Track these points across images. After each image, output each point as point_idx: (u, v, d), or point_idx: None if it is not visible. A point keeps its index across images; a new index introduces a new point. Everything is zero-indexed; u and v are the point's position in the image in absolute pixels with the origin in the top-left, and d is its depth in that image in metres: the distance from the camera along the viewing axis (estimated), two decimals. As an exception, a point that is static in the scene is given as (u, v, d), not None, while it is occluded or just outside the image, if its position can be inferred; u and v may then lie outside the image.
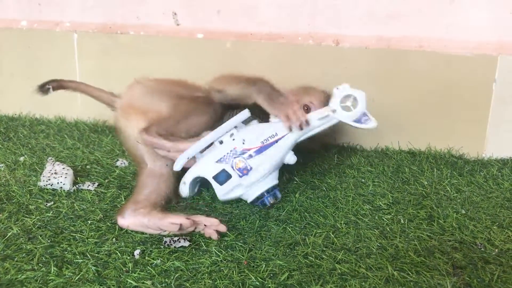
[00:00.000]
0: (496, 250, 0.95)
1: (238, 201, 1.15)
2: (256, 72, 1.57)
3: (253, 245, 0.96)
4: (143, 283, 0.83)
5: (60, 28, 1.71)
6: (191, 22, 1.61)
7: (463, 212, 1.10)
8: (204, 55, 1.59)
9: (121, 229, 1.01)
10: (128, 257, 0.90)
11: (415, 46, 1.45)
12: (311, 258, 0.91)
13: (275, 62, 1.54)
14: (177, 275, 0.85)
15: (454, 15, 1.41)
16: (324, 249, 0.94)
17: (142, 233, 0.99)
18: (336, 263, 0.90)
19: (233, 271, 0.86)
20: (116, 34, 1.66)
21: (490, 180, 1.27)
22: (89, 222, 1.02)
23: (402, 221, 1.05)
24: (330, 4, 1.48)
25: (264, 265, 0.88)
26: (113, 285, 0.82)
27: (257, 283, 0.83)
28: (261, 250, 0.94)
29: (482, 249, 0.95)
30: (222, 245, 0.95)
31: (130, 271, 0.86)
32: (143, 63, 1.65)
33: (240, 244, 0.96)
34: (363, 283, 0.84)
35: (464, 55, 1.40)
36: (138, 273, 0.86)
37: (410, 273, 0.87)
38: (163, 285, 0.83)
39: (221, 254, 0.92)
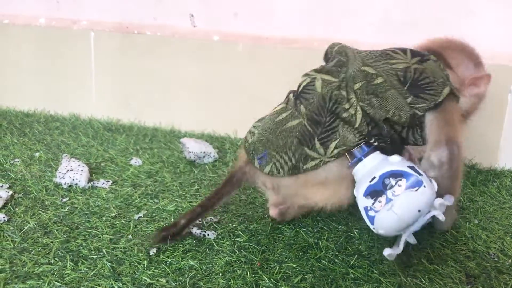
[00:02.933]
0: (510, 260, 0.95)
1: (251, 202, 1.15)
2: (271, 76, 1.59)
3: (266, 247, 0.96)
4: (157, 280, 0.84)
5: (78, 26, 1.73)
6: (207, 24, 1.62)
7: (476, 222, 1.10)
8: (220, 57, 1.60)
9: (135, 226, 1.02)
10: (143, 254, 0.91)
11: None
12: (324, 262, 0.92)
13: (291, 66, 1.54)
14: (191, 274, 0.86)
15: (470, 25, 1.41)
16: (337, 253, 0.95)
17: (156, 230, 1.00)
18: (349, 267, 0.90)
19: (246, 272, 0.87)
20: (133, 34, 1.68)
21: (503, 190, 1.27)
22: (104, 218, 1.03)
23: (415, 229, 1.05)
24: (346, 10, 1.49)
25: (277, 267, 0.89)
26: (128, 282, 0.83)
27: (270, 284, 0.84)
28: (274, 252, 0.94)
29: (495, 259, 0.95)
30: (235, 246, 0.96)
31: (146, 268, 0.87)
32: (158, 63, 1.66)
33: (253, 245, 0.96)
34: (376, 289, 0.84)
35: (480, 65, 1.39)
36: (153, 271, 0.87)
37: (423, 280, 0.87)
38: (178, 283, 0.84)
39: (235, 254, 0.92)
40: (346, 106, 0.95)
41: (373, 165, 0.92)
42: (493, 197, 1.24)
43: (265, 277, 0.85)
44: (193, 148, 1.37)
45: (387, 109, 0.95)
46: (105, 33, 1.70)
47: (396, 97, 0.96)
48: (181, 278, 0.85)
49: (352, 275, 0.87)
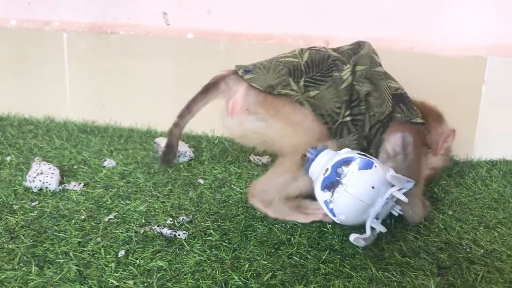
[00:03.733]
0: (482, 250, 0.94)
1: (225, 200, 1.14)
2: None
3: (238, 245, 0.95)
4: (125, 282, 0.82)
5: (50, 27, 1.70)
6: (181, 22, 1.61)
7: (450, 213, 1.10)
8: (194, 55, 1.58)
9: (105, 228, 1.00)
10: (111, 257, 0.89)
11: (405, 48, 1.45)
12: (295, 258, 0.90)
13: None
14: (160, 275, 0.84)
15: (444, 18, 1.41)
16: (309, 249, 0.94)
17: (126, 231, 0.98)
18: (321, 263, 0.89)
19: (216, 271, 0.85)
20: (106, 34, 1.65)
21: (479, 181, 1.27)
22: (73, 221, 1.02)
23: (388, 222, 1.04)
24: (320, 5, 1.48)
25: (248, 265, 0.88)
26: (94, 285, 0.81)
27: (240, 283, 0.83)
28: (246, 250, 0.93)
29: (468, 250, 0.95)
30: (206, 245, 0.94)
31: (113, 271, 0.85)
32: (133, 63, 1.64)
33: (225, 244, 0.95)
34: (347, 283, 0.83)
35: (454, 56, 1.40)
36: (121, 273, 0.85)
37: (394, 273, 0.86)
38: (145, 285, 0.82)
39: (205, 254, 0.91)
40: (342, 73, 1.01)
41: (326, 160, 0.92)
42: (469, 188, 1.24)
43: (234, 276, 0.84)
44: (168, 147, 1.35)
45: (373, 93, 1.01)
46: (78, 33, 1.68)
47: (386, 88, 1.04)
48: (149, 280, 0.83)
49: (323, 271, 0.87)
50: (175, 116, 1.62)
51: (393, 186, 0.89)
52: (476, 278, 0.85)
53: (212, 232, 0.99)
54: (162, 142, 1.37)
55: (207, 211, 1.09)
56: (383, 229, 0.90)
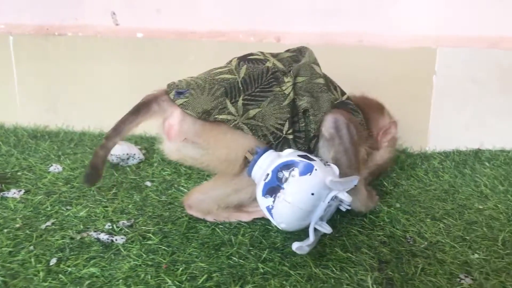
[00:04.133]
0: (426, 243, 0.93)
1: (171, 203, 1.11)
2: (199, 70, 1.54)
3: (177, 248, 0.92)
4: (52, 292, 0.79)
5: (-5, 31, 1.65)
6: (130, 21, 1.57)
7: (398, 206, 1.08)
8: (145, 54, 1.55)
9: (40, 236, 0.96)
10: (42, 265, 0.86)
11: (355, 41, 1.44)
12: (235, 258, 0.88)
13: (217, 60, 1.50)
14: (90, 282, 0.81)
15: (393, 10, 1.40)
16: (251, 248, 0.92)
17: (62, 238, 0.95)
18: (260, 262, 0.87)
19: (150, 276, 0.82)
20: (54, 36, 1.61)
21: (431, 172, 1.27)
22: (6, 231, 0.97)
23: (334, 217, 1.02)
24: (270, 1, 1.46)
25: (184, 268, 0.85)
26: (18, 296, 0.77)
27: (173, 286, 0.80)
28: (185, 253, 0.90)
29: (411, 243, 0.94)
30: (143, 249, 0.91)
31: (42, 280, 0.81)
32: (83, 65, 1.60)
33: (163, 247, 0.92)
34: (284, 282, 0.81)
35: (404, 48, 1.39)
36: (50, 282, 0.81)
37: (334, 269, 0.84)
38: (74, 293, 0.79)
39: (141, 258, 0.88)
40: (283, 87, 0.96)
41: (267, 164, 0.89)
42: (420, 180, 1.23)
43: (168, 280, 0.81)
44: (115, 150, 1.31)
45: (313, 106, 0.97)
46: (25, 36, 1.63)
47: (327, 101, 0.99)
48: (78, 288, 0.80)
49: (261, 270, 0.84)
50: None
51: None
52: (415, 271, 0.83)
53: (152, 236, 0.96)
54: (110, 145, 1.33)
55: (150, 214, 1.06)
56: (328, 230, 0.87)
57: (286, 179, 0.84)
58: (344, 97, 1.04)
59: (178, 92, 0.95)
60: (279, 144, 0.95)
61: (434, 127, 1.42)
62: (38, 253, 0.90)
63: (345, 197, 0.84)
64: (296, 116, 0.96)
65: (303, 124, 0.97)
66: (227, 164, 0.95)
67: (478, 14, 1.35)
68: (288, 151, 0.91)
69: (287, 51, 1.05)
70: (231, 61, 1.01)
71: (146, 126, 1.49)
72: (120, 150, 1.32)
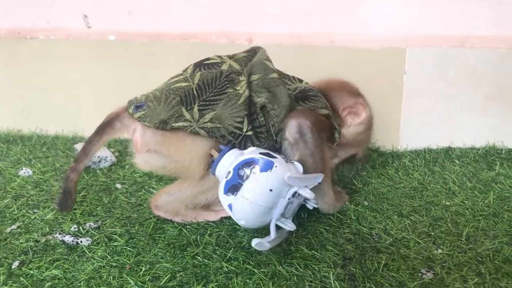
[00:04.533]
0: (391, 239, 0.94)
1: (140, 204, 1.11)
2: (172, 72, 1.55)
3: (143, 248, 0.92)
4: (12, 295, 0.78)
5: (-34, 34, 1.63)
6: (102, 24, 1.56)
7: (366, 203, 1.09)
8: (118, 57, 1.54)
9: (5, 239, 0.95)
10: (4, 269, 0.85)
11: (326, 42, 1.45)
12: (199, 258, 0.88)
13: (190, 61, 1.50)
14: (51, 284, 0.80)
15: (363, 10, 1.41)
16: (216, 248, 0.91)
17: (27, 241, 0.94)
18: (225, 261, 0.87)
19: (112, 277, 0.82)
20: (26, 39, 1.60)
21: (401, 170, 1.28)
22: (-30, 234, 0.96)
23: (302, 216, 1.03)
24: (242, 2, 1.47)
25: (148, 268, 0.84)
26: (-23, 300, 0.77)
27: (136, 287, 0.80)
28: (150, 253, 0.90)
29: (376, 239, 0.94)
30: (108, 251, 0.91)
31: (2, 283, 0.81)
32: (55, 68, 1.59)
33: (129, 248, 0.91)
34: (248, 280, 0.81)
35: (374, 48, 1.40)
36: (10, 285, 0.80)
37: (298, 267, 0.85)
38: (34, 296, 0.78)
39: (105, 260, 0.87)
40: (237, 87, 0.97)
41: (230, 162, 0.89)
42: (390, 178, 1.24)
43: (131, 280, 0.81)
44: (86, 153, 1.30)
45: (271, 101, 0.98)
46: (-4, 40, 1.61)
47: (283, 94, 1.00)
48: (39, 290, 0.79)
49: (225, 269, 0.84)
50: (101, 120, 1.58)
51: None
52: (378, 267, 0.84)
53: (118, 237, 0.95)
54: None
55: (118, 216, 1.05)
56: (291, 228, 0.88)
57: (248, 176, 0.84)
58: (303, 84, 1.05)
59: (137, 106, 0.97)
60: (241, 142, 0.96)
61: (405, 126, 1.43)
62: (0, 257, 0.89)
63: (307, 194, 0.85)
64: (255, 113, 0.97)
65: (262, 119, 0.97)
66: (191, 168, 0.97)
67: (446, 13, 1.37)
68: (251, 149, 0.92)
69: (244, 52, 1.06)
70: (187, 68, 1.03)
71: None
72: (91, 152, 1.31)
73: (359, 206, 1.07)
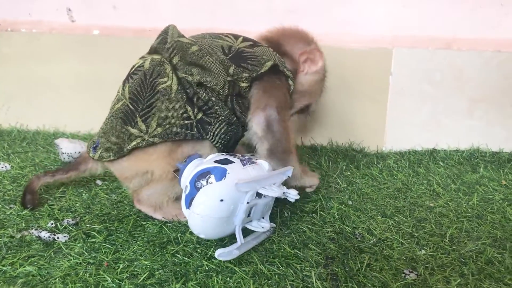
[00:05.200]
0: (374, 239, 0.93)
1: (120, 201, 1.08)
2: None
3: (121, 246, 0.89)
4: (-17, 292, 0.75)
5: None
6: (86, 18, 1.54)
7: (350, 203, 1.08)
8: (102, 52, 1.52)
9: (-22, 235, 0.92)
10: (-24, 265, 0.82)
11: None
12: (179, 256, 0.86)
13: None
14: (24, 280, 0.78)
15: (350, 10, 1.41)
16: (197, 246, 0.89)
17: (1, 237, 0.91)
18: (205, 259, 0.85)
19: (89, 274, 0.80)
20: (7, 32, 1.56)
21: (385, 171, 1.27)
22: None
23: (285, 214, 1.02)
24: (229, 0, 1.45)
25: (126, 266, 0.82)
26: None
27: (113, 285, 0.77)
28: (128, 251, 0.88)
29: (360, 239, 0.93)
30: (86, 248, 0.88)
31: (-27, 280, 0.78)
32: (37, 62, 1.56)
33: (107, 245, 0.89)
34: (228, 279, 0.79)
35: (361, 49, 1.40)
36: (-19, 282, 0.78)
37: (280, 266, 0.83)
38: (6, 292, 0.75)
39: (82, 256, 0.85)
40: (165, 79, 0.94)
41: (188, 174, 0.87)
42: (374, 179, 1.23)
43: (108, 278, 0.79)
44: (67, 148, 1.28)
45: (203, 75, 0.95)
46: (-23, 32, 1.57)
47: (211, 62, 0.96)
48: (11, 287, 0.76)
49: (206, 267, 0.82)
50: (85, 116, 1.55)
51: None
52: (361, 266, 0.83)
53: (96, 234, 0.93)
54: (62, 143, 1.30)
55: (97, 212, 1.03)
56: (264, 228, 0.87)
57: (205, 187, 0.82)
58: (239, 41, 1.03)
59: (93, 148, 0.99)
60: (198, 129, 0.95)
61: (391, 127, 1.43)
62: (-27, 253, 0.86)
63: (271, 193, 0.84)
64: (194, 94, 0.95)
65: (204, 95, 0.95)
66: (167, 171, 0.96)
67: (433, 15, 1.37)
68: (210, 156, 0.90)
69: (156, 39, 1.04)
70: (120, 86, 1.01)
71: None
72: (72, 148, 1.28)
73: (343, 205, 1.06)
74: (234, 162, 0.86)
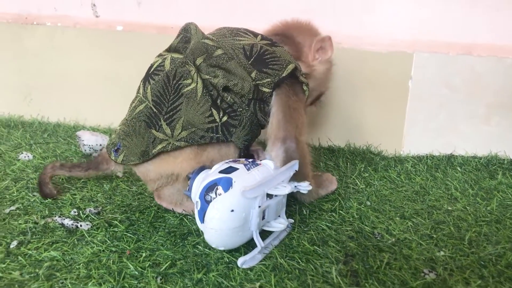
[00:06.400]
0: (393, 239, 0.93)
1: (141, 193, 1.10)
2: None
3: (143, 235, 0.91)
4: (10, 273, 0.77)
5: (-28, 17, 1.62)
6: (110, 14, 1.56)
7: (368, 203, 1.09)
8: (124, 47, 1.54)
9: (3, 220, 0.94)
10: (2, 248, 0.84)
11: (334, 44, 1.44)
12: (200, 247, 0.87)
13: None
14: (49, 264, 0.79)
15: (371, 13, 1.42)
16: (218, 239, 0.90)
17: (25, 222, 0.93)
18: (226, 252, 0.86)
19: (112, 261, 0.81)
20: (32, 25, 1.59)
21: (403, 174, 1.28)
22: (-32, 213, 0.95)
23: (304, 212, 1.02)
24: (251, -1, 1.47)
25: (148, 255, 0.83)
26: (-26, 276, 0.75)
27: (135, 272, 0.79)
28: (150, 240, 0.89)
29: (379, 238, 0.94)
30: (108, 236, 0.90)
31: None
32: (60, 55, 1.58)
33: (129, 235, 0.90)
34: (249, 271, 0.80)
35: (381, 52, 1.40)
36: (8, 264, 0.79)
37: (300, 261, 0.84)
38: (32, 275, 0.77)
39: (105, 244, 0.86)
40: (189, 81, 0.94)
41: (196, 189, 0.88)
42: (392, 181, 1.23)
43: (131, 265, 0.80)
44: (88, 140, 1.30)
45: (229, 78, 0.95)
46: (3, 24, 1.60)
47: (237, 67, 0.96)
48: (37, 270, 0.78)
49: (226, 259, 0.83)
50: (105, 110, 1.57)
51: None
52: (381, 265, 0.83)
53: (118, 223, 0.94)
54: (83, 135, 1.32)
55: (118, 203, 1.04)
56: (282, 227, 0.87)
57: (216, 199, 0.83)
58: (258, 39, 1.03)
59: (115, 150, 0.97)
60: (223, 132, 0.95)
61: (409, 131, 1.43)
62: (-1, 236, 0.88)
63: (282, 191, 0.85)
64: (219, 97, 0.95)
65: (229, 98, 0.95)
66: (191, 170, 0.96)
67: (454, 20, 1.38)
68: (214, 167, 0.90)
69: (176, 38, 1.03)
70: (139, 87, 1.00)
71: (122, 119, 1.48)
72: (93, 140, 1.30)
73: (362, 206, 1.07)
74: (238, 168, 0.86)
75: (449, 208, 1.09)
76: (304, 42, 1.09)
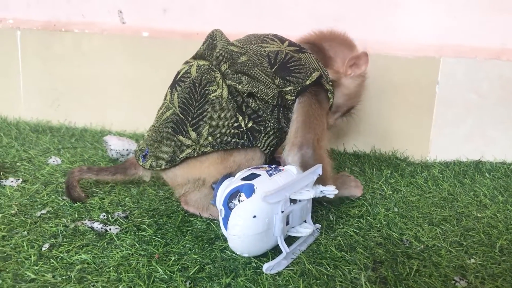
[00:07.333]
0: (422, 246, 0.92)
1: (168, 197, 1.11)
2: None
3: (171, 239, 0.91)
4: (42, 276, 0.78)
5: (3, 25, 1.66)
6: (136, 20, 1.58)
7: (396, 210, 1.08)
8: (150, 54, 1.56)
9: (35, 222, 0.96)
10: (35, 250, 0.85)
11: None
12: (228, 252, 0.87)
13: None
14: (81, 267, 0.80)
15: (395, 18, 1.41)
16: (245, 244, 0.90)
17: (56, 226, 0.94)
18: (254, 257, 0.86)
19: (141, 264, 0.82)
20: (61, 32, 1.62)
21: (430, 181, 1.26)
22: (1, 216, 0.97)
23: (331, 218, 1.02)
24: (277, 5, 1.47)
25: (176, 259, 0.84)
26: (8, 278, 0.77)
27: (165, 276, 0.79)
28: (178, 245, 0.89)
29: (407, 245, 0.92)
30: (137, 240, 0.90)
31: (32, 264, 0.81)
32: (87, 61, 1.61)
33: (157, 239, 0.91)
34: (277, 277, 0.80)
35: (407, 57, 1.39)
36: (41, 266, 0.81)
37: (328, 267, 0.83)
38: (64, 277, 0.78)
39: (134, 248, 0.87)
40: (214, 87, 0.94)
41: (220, 197, 0.88)
42: (419, 188, 1.22)
43: (160, 269, 0.81)
44: (115, 145, 1.32)
45: (253, 85, 0.95)
46: (32, 31, 1.64)
47: (261, 73, 0.96)
48: (68, 273, 0.79)
49: (254, 264, 0.83)
50: (131, 116, 1.59)
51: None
52: (410, 272, 0.82)
53: (146, 227, 0.95)
54: (111, 140, 1.34)
55: (146, 207, 1.05)
56: (308, 232, 0.87)
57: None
58: (285, 44, 1.03)
59: (143, 156, 0.99)
60: (249, 138, 0.95)
61: (436, 136, 1.42)
62: (31, 239, 0.89)
63: (306, 196, 0.85)
64: (244, 103, 0.95)
65: (253, 104, 0.95)
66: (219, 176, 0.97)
67: (482, 24, 1.36)
68: (237, 175, 0.90)
69: (202, 45, 1.04)
70: (166, 93, 1.02)
71: (147, 124, 1.50)
72: (120, 145, 1.32)
73: (390, 212, 1.06)
74: (260, 175, 0.86)
75: (479, 215, 1.07)
76: (335, 57, 1.09)
